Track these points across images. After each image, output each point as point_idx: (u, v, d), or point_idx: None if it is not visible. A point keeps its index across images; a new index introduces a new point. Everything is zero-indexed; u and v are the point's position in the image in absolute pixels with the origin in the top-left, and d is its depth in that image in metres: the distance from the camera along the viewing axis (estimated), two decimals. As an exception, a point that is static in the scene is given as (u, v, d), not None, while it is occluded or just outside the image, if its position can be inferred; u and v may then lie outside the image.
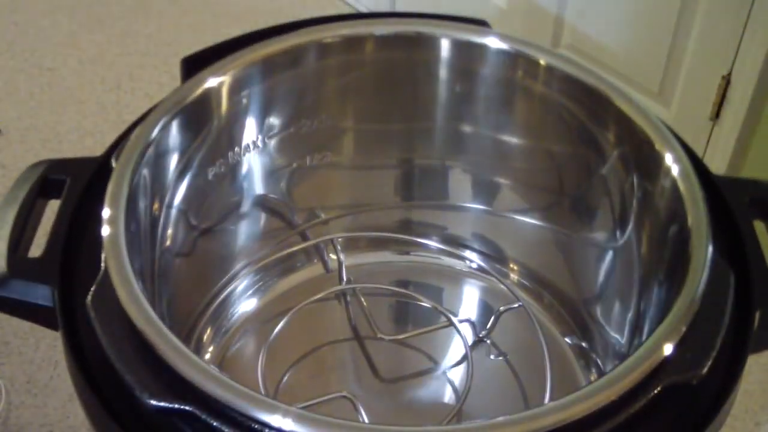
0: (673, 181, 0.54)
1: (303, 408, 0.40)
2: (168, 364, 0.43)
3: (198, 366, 0.42)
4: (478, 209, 0.72)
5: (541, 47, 0.63)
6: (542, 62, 0.62)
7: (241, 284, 0.69)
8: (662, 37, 1.07)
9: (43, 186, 0.56)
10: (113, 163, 0.53)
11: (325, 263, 0.72)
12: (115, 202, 0.50)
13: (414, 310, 0.71)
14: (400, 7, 1.44)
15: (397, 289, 0.72)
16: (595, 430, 0.43)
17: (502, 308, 0.67)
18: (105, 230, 0.49)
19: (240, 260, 0.69)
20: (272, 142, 0.65)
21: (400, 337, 0.67)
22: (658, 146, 0.56)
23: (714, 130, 1.06)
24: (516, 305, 0.67)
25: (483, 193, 0.71)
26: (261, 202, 0.68)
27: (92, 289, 0.47)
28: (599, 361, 0.65)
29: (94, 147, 1.23)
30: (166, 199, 0.58)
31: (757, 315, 0.50)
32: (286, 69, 0.63)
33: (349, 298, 0.70)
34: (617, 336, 0.62)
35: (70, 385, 0.48)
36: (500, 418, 0.41)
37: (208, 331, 0.67)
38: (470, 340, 0.67)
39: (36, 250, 0.53)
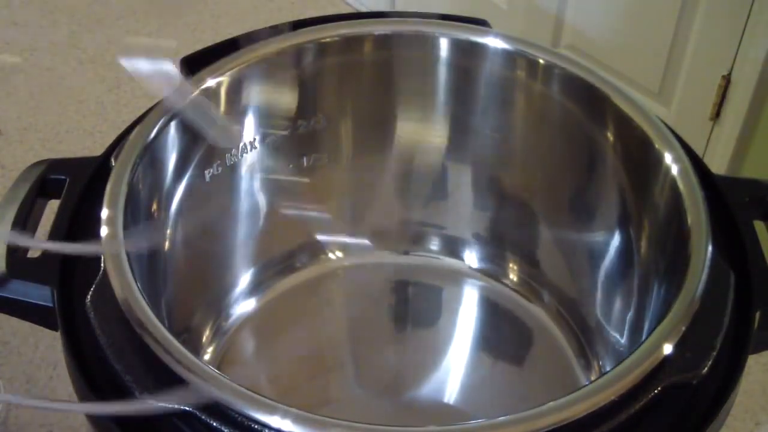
0: (673, 181, 0.54)
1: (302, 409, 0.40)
2: (167, 365, 0.43)
3: (197, 367, 0.42)
4: (478, 209, 0.72)
5: (541, 47, 0.63)
6: (542, 62, 0.62)
7: (240, 284, 0.69)
8: (662, 37, 1.07)
9: (43, 186, 0.56)
10: (113, 163, 0.53)
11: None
12: (114, 203, 0.50)
13: (414, 309, 0.71)
14: (400, 7, 1.44)
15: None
16: (595, 430, 0.43)
17: (502, 306, 0.67)
18: (104, 230, 0.49)
19: (239, 260, 0.69)
20: (270, 143, 0.65)
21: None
22: (657, 146, 0.56)
23: (714, 130, 1.06)
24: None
25: (482, 193, 0.71)
26: (259, 203, 0.68)
27: (92, 289, 0.47)
28: (599, 361, 0.65)
29: (94, 147, 1.23)
30: (165, 200, 0.58)
31: (757, 315, 0.50)
32: (285, 69, 0.63)
33: (350, 297, 0.70)
34: (617, 336, 0.62)
35: (70, 385, 0.48)
36: (500, 418, 0.41)
37: (207, 331, 0.66)
38: (470, 337, 0.67)
39: (36, 250, 0.53)
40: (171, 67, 0.54)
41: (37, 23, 1.46)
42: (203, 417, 0.42)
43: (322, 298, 0.71)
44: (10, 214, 0.54)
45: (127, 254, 0.48)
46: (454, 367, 0.67)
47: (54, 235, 0.53)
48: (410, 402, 0.65)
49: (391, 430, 0.42)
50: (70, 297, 0.50)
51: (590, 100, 0.60)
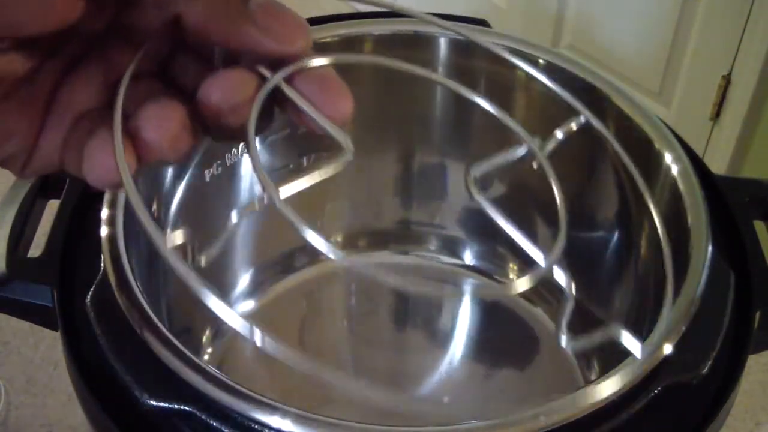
0: (673, 181, 0.54)
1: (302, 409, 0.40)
2: (167, 365, 0.43)
3: (197, 367, 0.42)
4: (478, 209, 0.72)
5: (541, 47, 0.63)
6: (542, 62, 0.62)
7: (240, 285, 0.69)
8: (662, 37, 1.07)
9: (43, 186, 0.56)
10: (113, 163, 0.53)
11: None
12: (114, 203, 0.50)
13: (414, 309, 0.71)
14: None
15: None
16: (595, 430, 0.43)
17: (501, 305, 0.67)
18: (104, 231, 0.49)
19: (238, 260, 0.69)
20: (269, 143, 0.65)
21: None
22: (657, 146, 0.56)
23: (714, 130, 1.06)
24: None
25: (482, 193, 0.71)
26: (258, 203, 0.68)
27: (92, 289, 0.47)
28: (599, 361, 0.65)
29: (93, 147, 1.23)
30: (165, 200, 0.58)
31: (757, 315, 0.50)
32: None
33: (350, 297, 0.70)
34: (617, 336, 0.62)
35: (70, 385, 0.48)
36: (500, 418, 0.41)
37: (207, 331, 0.66)
38: (470, 337, 0.67)
39: (36, 250, 0.53)
40: None
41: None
42: (203, 417, 0.42)
43: (321, 298, 0.71)
44: (10, 214, 0.54)
45: (127, 254, 0.48)
46: (453, 366, 0.67)
47: (54, 235, 0.53)
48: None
49: (391, 430, 0.42)
50: (70, 297, 0.50)
51: (590, 100, 0.60)
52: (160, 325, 0.44)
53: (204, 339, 0.66)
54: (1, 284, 0.50)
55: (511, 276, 0.71)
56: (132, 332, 0.44)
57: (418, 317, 0.71)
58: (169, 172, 0.58)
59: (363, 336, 0.69)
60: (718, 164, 1.05)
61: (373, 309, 0.70)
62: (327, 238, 0.73)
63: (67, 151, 0.29)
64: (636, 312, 0.60)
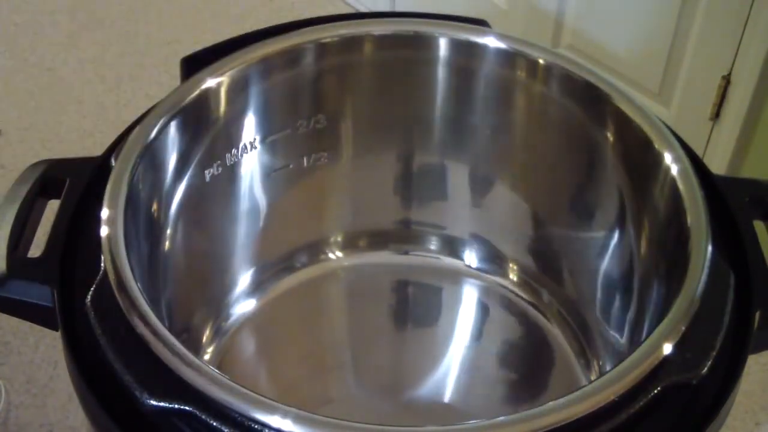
0: (673, 181, 0.54)
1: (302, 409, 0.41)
2: (167, 365, 0.43)
3: (197, 367, 0.42)
4: (477, 209, 0.72)
5: (541, 47, 0.63)
6: (542, 62, 0.62)
7: (240, 284, 0.69)
8: (662, 37, 1.07)
9: (43, 186, 0.56)
10: (113, 163, 0.53)
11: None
12: (114, 203, 0.50)
13: (414, 309, 0.71)
14: (400, 7, 1.44)
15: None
16: (595, 430, 0.43)
17: (501, 306, 0.67)
18: (104, 231, 0.49)
19: (238, 260, 0.69)
20: (270, 143, 0.65)
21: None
22: (657, 146, 0.56)
23: (714, 130, 1.06)
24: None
25: (482, 193, 0.71)
26: (258, 203, 0.68)
27: (92, 289, 0.47)
28: (599, 361, 0.65)
29: (93, 147, 1.23)
30: (165, 200, 0.58)
31: (757, 315, 0.50)
32: (285, 69, 0.63)
33: (350, 297, 0.70)
34: (617, 335, 0.62)
35: (70, 385, 0.48)
36: (500, 418, 0.41)
37: (207, 331, 0.67)
38: (470, 337, 0.67)
39: (36, 250, 0.53)
40: None
41: (37, 23, 1.46)
42: (203, 417, 0.42)
43: (321, 298, 0.71)
44: (10, 214, 0.54)
45: (128, 254, 0.48)
46: (453, 367, 0.67)
47: (54, 235, 0.53)
48: (410, 402, 0.65)
49: (391, 430, 0.42)
50: (70, 297, 0.50)
51: (590, 100, 0.60)
52: (160, 325, 0.44)
53: (204, 339, 0.66)
54: (1, 284, 0.50)
55: (511, 276, 0.71)
56: (132, 332, 0.44)
57: (418, 317, 0.71)
58: (170, 172, 0.58)
59: (363, 336, 0.69)
60: (718, 164, 1.05)
61: (373, 309, 0.70)
62: (327, 238, 0.73)
63: None
64: (636, 312, 0.60)
